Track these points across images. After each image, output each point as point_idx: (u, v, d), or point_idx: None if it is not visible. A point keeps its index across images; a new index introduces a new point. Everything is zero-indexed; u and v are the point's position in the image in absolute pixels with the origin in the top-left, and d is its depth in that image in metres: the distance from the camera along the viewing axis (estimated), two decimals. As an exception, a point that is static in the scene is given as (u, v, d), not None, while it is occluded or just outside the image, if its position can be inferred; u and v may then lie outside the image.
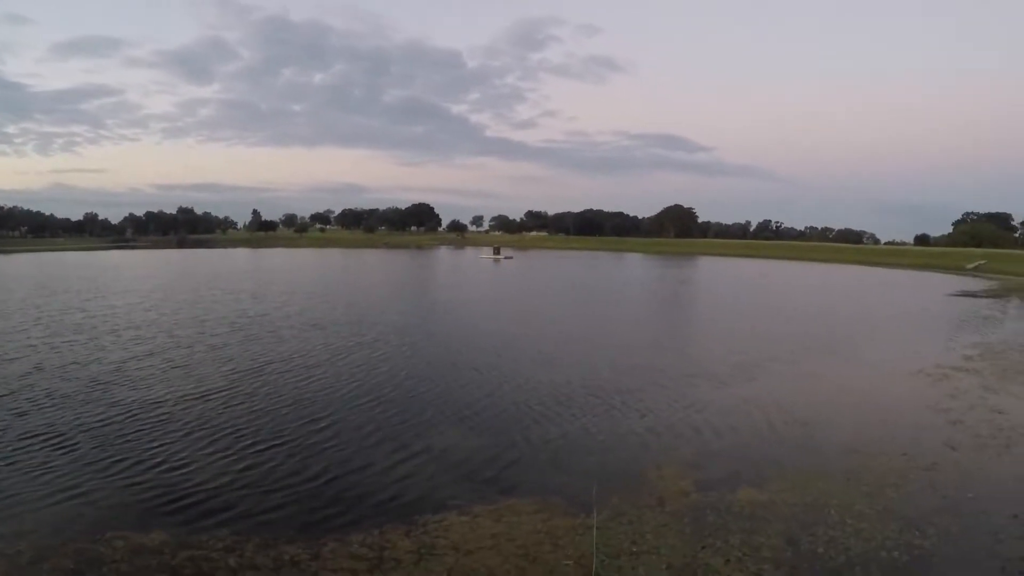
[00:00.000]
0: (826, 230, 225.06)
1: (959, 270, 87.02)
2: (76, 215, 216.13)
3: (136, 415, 15.87)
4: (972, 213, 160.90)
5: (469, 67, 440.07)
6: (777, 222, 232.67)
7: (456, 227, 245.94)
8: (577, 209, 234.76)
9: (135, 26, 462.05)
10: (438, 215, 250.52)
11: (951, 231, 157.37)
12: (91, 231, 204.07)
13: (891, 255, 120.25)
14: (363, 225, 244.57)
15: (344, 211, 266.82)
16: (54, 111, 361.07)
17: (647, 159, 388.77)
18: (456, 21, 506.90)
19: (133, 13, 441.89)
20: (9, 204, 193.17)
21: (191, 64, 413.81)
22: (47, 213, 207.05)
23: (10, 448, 13.48)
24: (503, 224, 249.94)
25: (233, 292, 47.81)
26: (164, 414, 16.00)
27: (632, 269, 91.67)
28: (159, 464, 12.70)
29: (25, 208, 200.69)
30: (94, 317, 33.07)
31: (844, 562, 9.13)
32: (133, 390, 18.35)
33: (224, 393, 18.16)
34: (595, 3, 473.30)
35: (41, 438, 14.11)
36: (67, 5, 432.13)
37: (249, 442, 14.09)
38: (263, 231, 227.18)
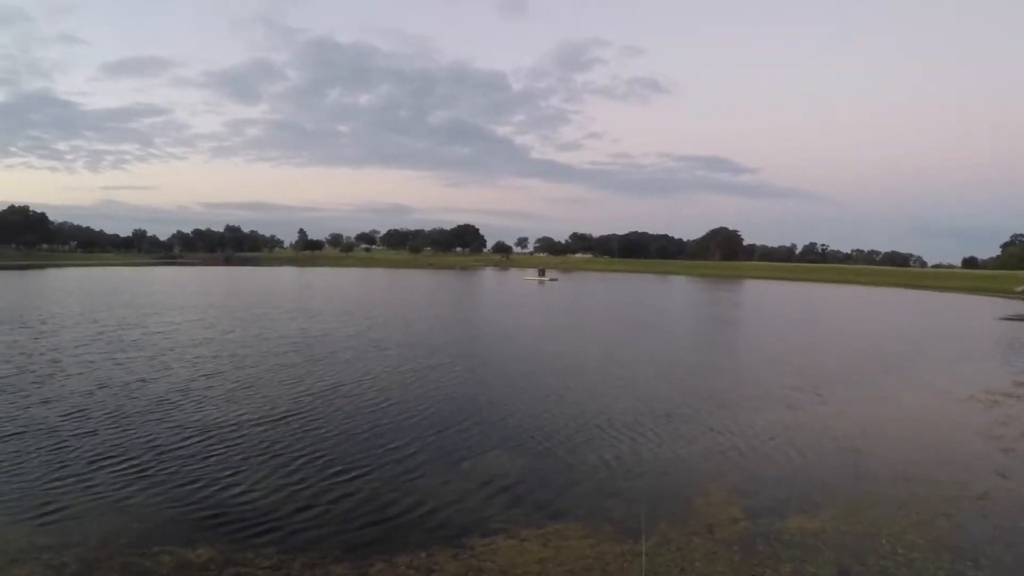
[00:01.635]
0: (872, 253, 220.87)
1: (1008, 293, 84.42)
2: (125, 231, 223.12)
3: (195, 435, 15.84)
4: (1021, 235, 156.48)
5: (514, 89, 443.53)
6: (823, 244, 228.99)
7: (501, 248, 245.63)
8: (622, 231, 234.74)
9: (184, 47, 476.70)
10: (483, 236, 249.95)
11: (999, 253, 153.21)
12: (140, 247, 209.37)
13: (938, 278, 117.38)
14: (408, 245, 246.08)
15: (389, 231, 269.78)
16: (104, 129, 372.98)
17: (692, 181, 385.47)
18: (501, 43, 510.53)
19: (182, 34, 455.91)
20: (60, 219, 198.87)
21: (238, 84, 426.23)
22: (96, 229, 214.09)
23: (62, 459, 13.73)
24: (548, 246, 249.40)
25: (289, 311, 48.12)
26: (221, 434, 15.98)
27: (680, 292, 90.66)
28: (210, 482, 12.75)
29: (75, 223, 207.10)
30: (155, 334, 33.47)
31: (905, 597, 8.84)
32: (199, 410, 18.24)
33: (285, 415, 18.00)
34: (639, 25, 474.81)
35: (101, 455, 14.26)
36: (118, 26, 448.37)
37: (301, 463, 14.06)
38: (309, 250, 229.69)
